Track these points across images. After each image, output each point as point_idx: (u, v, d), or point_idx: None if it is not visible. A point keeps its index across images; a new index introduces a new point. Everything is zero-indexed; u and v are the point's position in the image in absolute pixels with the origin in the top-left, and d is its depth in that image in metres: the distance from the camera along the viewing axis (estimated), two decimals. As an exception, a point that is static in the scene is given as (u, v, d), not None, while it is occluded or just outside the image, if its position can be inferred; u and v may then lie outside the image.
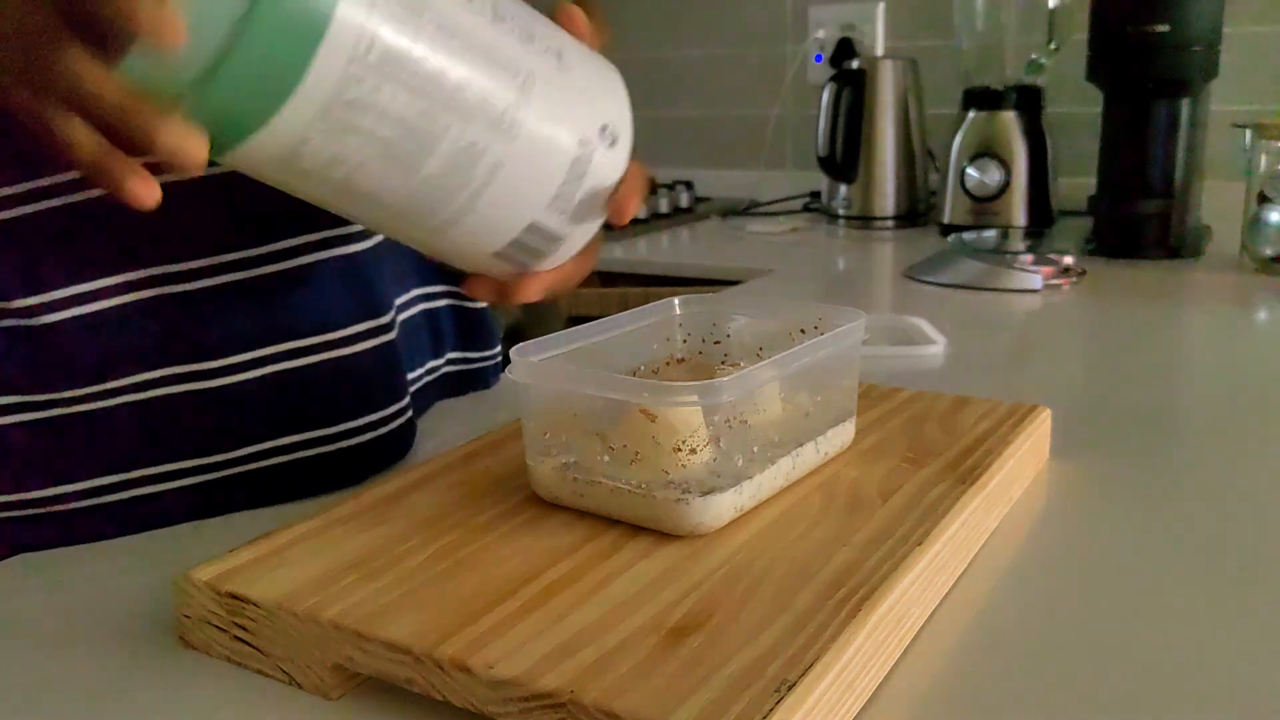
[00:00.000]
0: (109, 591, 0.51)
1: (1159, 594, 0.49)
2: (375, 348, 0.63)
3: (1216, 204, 1.42)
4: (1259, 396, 0.78)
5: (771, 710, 0.35)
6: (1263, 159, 1.21)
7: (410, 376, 0.71)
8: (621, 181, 0.51)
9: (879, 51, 1.83)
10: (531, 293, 0.53)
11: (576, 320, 0.62)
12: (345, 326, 0.62)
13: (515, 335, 1.53)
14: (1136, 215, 1.31)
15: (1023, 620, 0.47)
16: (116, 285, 0.56)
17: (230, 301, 0.58)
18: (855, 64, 1.64)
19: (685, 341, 0.63)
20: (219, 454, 0.59)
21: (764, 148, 1.94)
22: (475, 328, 0.79)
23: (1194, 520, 0.57)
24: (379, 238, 0.64)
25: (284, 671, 0.43)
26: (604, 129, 0.49)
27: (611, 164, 0.50)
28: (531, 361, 0.52)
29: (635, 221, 1.71)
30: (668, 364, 0.61)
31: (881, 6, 1.82)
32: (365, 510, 0.51)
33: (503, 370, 0.80)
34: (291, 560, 0.46)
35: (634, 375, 0.58)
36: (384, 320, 0.64)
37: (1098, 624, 0.46)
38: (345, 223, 0.61)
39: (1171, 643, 0.45)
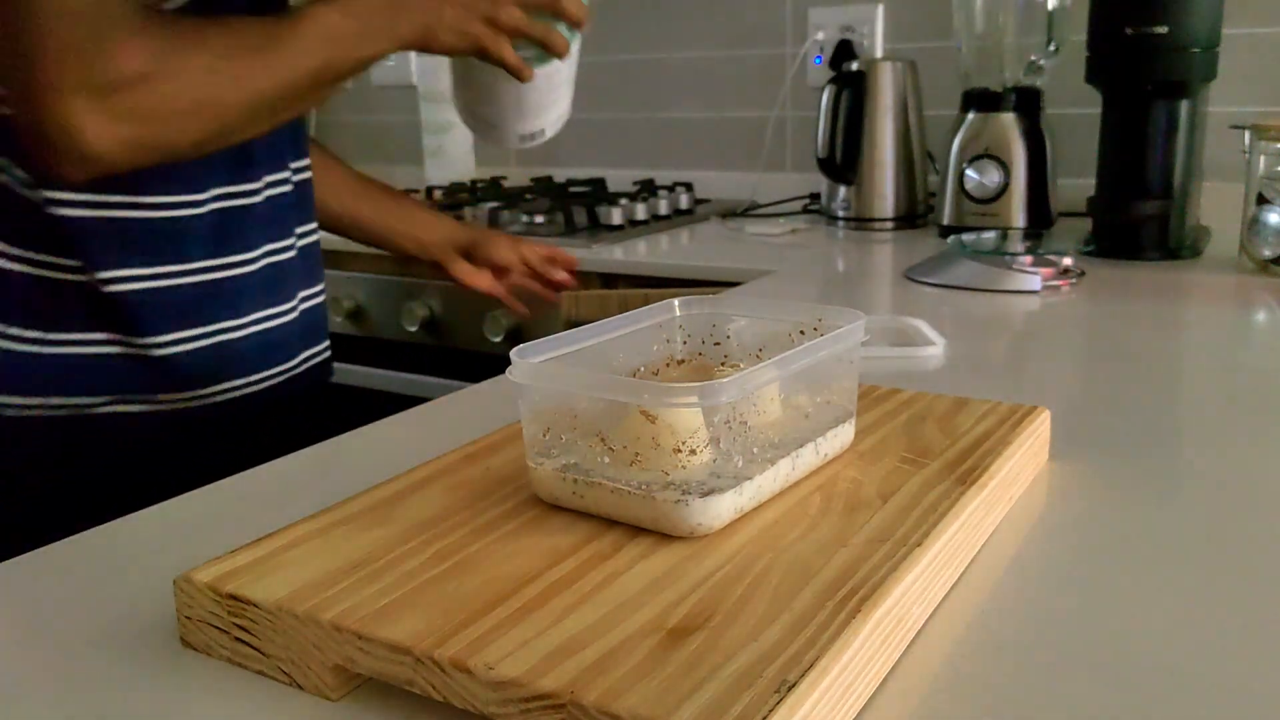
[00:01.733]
0: (109, 591, 0.51)
1: (1158, 594, 0.49)
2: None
3: (1215, 205, 1.42)
4: (1258, 397, 0.78)
5: (771, 710, 0.35)
6: (1261, 160, 1.21)
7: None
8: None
9: (878, 53, 1.83)
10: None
11: (576, 322, 0.63)
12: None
13: (516, 336, 1.53)
14: (1135, 216, 1.31)
15: (1023, 620, 0.47)
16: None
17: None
18: (855, 66, 1.64)
19: (685, 343, 0.63)
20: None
21: (763, 149, 1.95)
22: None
23: (1193, 520, 0.57)
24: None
25: (284, 673, 0.43)
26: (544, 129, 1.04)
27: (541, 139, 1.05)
28: (531, 362, 0.52)
29: (635, 223, 1.71)
30: (668, 365, 0.61)
31: (881, 8, 1.83)
32: (366, 511, 0.51)
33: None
34: (292, 561, 0.46)
35: (634, 376, 0.58)
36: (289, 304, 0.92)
37: (1097, 624, 0.46)
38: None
39: (1171, 642, 0.45)
